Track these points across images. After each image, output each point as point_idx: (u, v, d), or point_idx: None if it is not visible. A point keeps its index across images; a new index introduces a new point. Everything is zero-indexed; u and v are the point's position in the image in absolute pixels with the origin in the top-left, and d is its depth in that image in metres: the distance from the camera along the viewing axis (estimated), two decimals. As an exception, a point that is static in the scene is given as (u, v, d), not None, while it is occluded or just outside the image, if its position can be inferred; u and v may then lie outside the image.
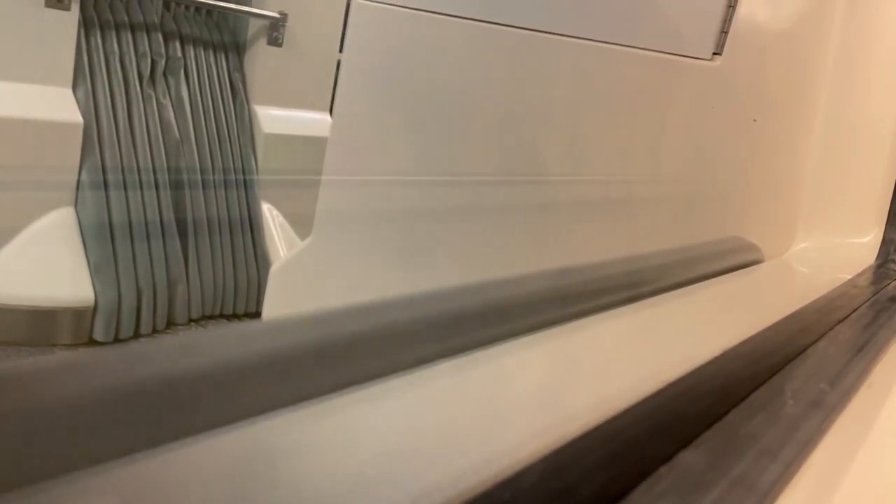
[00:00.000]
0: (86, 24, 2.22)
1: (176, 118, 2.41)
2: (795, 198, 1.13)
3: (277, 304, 1.18)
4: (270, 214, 2.67)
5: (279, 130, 2.67)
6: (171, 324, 2.41)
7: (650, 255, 0.81)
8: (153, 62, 2.37)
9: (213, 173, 2.50)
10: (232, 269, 2.53)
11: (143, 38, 2.35)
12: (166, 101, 2.39)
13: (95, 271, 2.20)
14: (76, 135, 2.17)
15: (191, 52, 2.48)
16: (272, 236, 2.65)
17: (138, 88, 2.32)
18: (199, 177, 2.45)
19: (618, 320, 0.62)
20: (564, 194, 1.04)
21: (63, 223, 2.19)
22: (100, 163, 2.21)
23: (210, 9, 2.57)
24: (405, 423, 0.39)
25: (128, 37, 2.32)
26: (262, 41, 2.64)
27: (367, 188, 1.11)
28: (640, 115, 1.04)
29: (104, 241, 2.21)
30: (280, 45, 2.66)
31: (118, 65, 2.28)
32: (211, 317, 2.52)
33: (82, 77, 2.21)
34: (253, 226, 2.60)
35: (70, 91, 2.20)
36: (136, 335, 2.31)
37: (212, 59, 2.55)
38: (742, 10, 0.98)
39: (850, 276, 0.96)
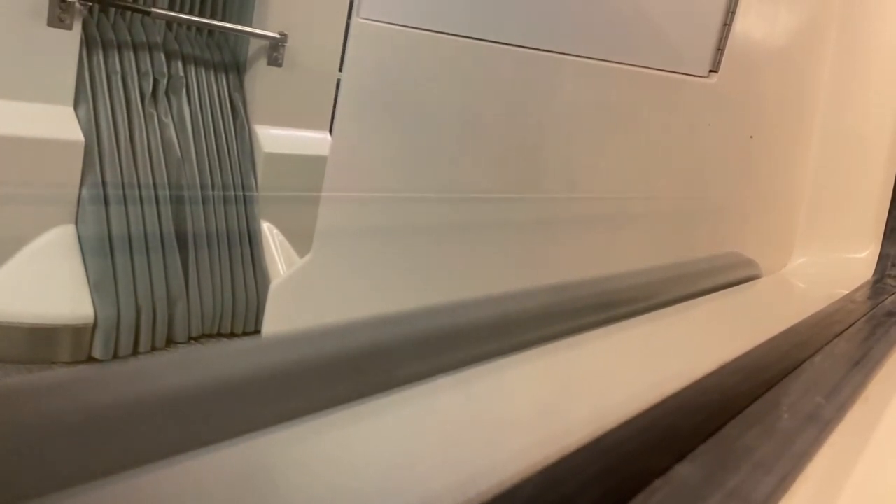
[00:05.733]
0: (88, 44, 2.24)
1: (177, 137, 2.42)
2: (793, 213, 1.14)
3: (277, 320, 1.18)
4: (270, 233, 2.68)
5: (279, 149, 2.69)
6: (170, 342, 2.41)
7: (648, 271, 0.82)
8: (155, 81, 2.38)
9: (214, 192, 2.51)
10: (231, 287, 2.53)
11: (146, 58, 2.37)
12: (168, 120, 2.40)
13: (95, 289, 2.20)
14: (77, 153, 2.18)
15: (192, 71, 2.50)
16: (272, 254, 2.66)
17: (140, 107, 2.34)
18: (199, 195, 2.45)
19: (616, 335, 0.63)
20: (562, 210, 1.05)
21: (63, 240, 2.20)
22: (100, 181, 2.22)
23: (211, 29, 2.59)
24: (404, 437, 0.39)
25: (130, 56, 2.34)
26: (263, 61, 2.66)
27: (366, 206, 1.12)
28: (637, 131, 1.04)
29: (104, 259, 2.22)
30: (280, 64, 2.68)
31: (120, 83, 2.30)
32: (210, 335, 2.52)
33: (84, 95, 2.22)
34: (252, 244, 2.60)
35: (72, 109, 2.21)
36: (135, 353, 2.30)
37: (213, 78, 2.56)
38: (738, 28, 0.99)
39: (847, 292, 0.96)
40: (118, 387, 0.35)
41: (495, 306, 0.57)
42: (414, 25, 1.06)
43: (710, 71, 1.00)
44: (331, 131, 2.65)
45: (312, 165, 2.57)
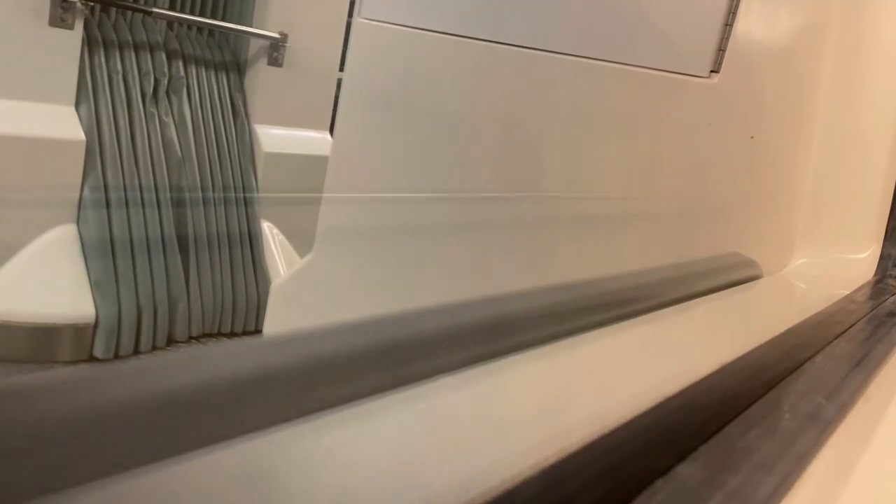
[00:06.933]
0: (89, 43, 2.24)
1: (178, 137, 2.42)
2: (793, 214, 1.14)
3: (278, 320, 1.19)
4: (270, 232, 2.68)
5: (279, 149, 2.69)
6: (171, 341, 2.41)
7: (649, 272, 0.82)
8: (156, 81, 2.38)
9: (214, 192, 2.51)
10: (231, 287, 2.53)
11: (147, 57, 2.37)
12: (168, 120, 2.40)
13: (96, 288, 2.21)
14: (78, 152, 2.18)
15: (193, 71, 2.50)
16: (272, 254, 2.66)
17: (141, 107, 2.34)
18: (199, 195, 2.45)
19: (617, 336, 0.63)
20: (564, 211, 1.05)
21: (65, 240, 2.20)
22: (102, 180, 2.22)
23: (212, 29, 2.59)
24: (405, 437, 0.39)
25: (131, 56, 2.34)
26: (263, 61, 2.66)
27: (367, 205, 1.12)
28: (638, 132, 1.05)
29: (105, 258, 2.22)
30: (280, 64, 2.68)
31: (121, 83, 2.30)
32: (211, 334, 2.52)
33: (85, 95, 2.22)
34: (253, 243, 2.60)
35: (73, 109, 2.21)
36: (136, 352, 2.30)
37: (213, 78, 2.56)
38: (739, 28, 0.99)
39: (848, 292, 0.96)
40: (118, 387, 0.35)
41: (495, 306, 0.57)
42: (415, 25, 1.06)
43: (711, 71, 1.00)
44: (331, 131, 2.66)
45: (312, 165, 2.58)
